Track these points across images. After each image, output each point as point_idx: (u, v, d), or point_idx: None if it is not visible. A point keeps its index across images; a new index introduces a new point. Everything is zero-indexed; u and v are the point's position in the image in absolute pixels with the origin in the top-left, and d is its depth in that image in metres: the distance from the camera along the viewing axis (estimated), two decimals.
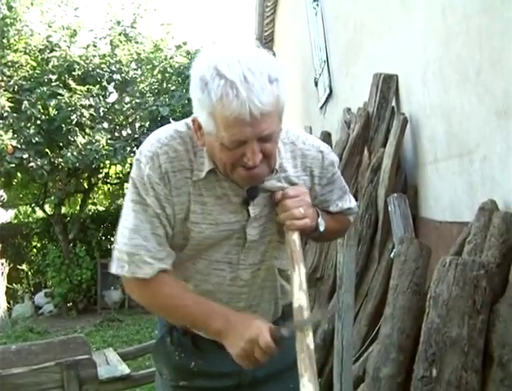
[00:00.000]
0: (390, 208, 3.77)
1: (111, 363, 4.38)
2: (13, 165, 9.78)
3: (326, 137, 6.27)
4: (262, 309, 1.82)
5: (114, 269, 1.64)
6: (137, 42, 11.73)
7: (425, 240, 3.35)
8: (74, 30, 11.37)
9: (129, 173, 1.69)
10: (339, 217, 1.90)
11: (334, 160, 1.82)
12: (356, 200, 3.73)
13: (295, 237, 1.64)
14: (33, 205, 12.70)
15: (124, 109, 11.25)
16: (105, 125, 11.15)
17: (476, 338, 2.27)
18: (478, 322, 2.28)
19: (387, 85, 4.36)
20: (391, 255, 3.64)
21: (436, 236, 3.60)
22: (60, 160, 10.37)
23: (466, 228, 2.83)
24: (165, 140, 1.63)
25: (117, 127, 11.47)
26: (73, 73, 10.75)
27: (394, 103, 4.43)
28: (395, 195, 3.79)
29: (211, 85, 1.43)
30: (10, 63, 10.50)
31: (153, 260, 1.61)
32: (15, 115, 10.03)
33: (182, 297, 1.64)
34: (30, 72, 10.65)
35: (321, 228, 1.76)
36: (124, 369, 4.15)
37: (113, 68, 11.28)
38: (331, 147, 4.87)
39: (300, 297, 1.55)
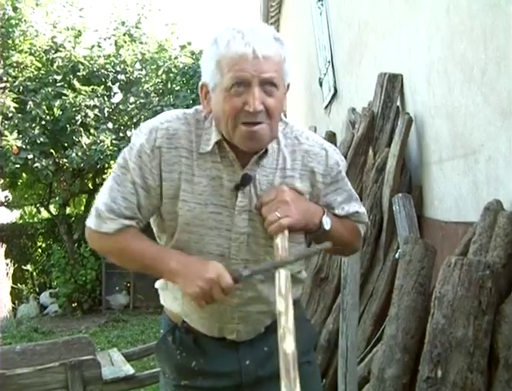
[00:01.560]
0: (394, 209, 3.76)
1: (115, 364, 4.38)
2: (18, 166, 9.82)
3: (331, 137, 6.25)
4: (257, 308, 1.81)
5: (87, 221, 1.73)
6: (141, 43, 11.76)
7: (430, 240, 3.34)
8: (79, 31, 11.40)
9: None
10: (347, 222, 1.86)
11: (339, 159, 1.83)
12: (361, 200, 3.73)
13: (278, 241, 1.65)
14: (37, 206, 12.74)
15: (128, 109, 11.26)
16: (110, 125, 11.18)
17: (482, 339, 2.26)
18: (483, 322, 2.27)
19: (392, 85, 4.34)
20: (396, 255, 3.62)
21: (441, 236, 3.58)
22: (65, 160, 10.41)
23: (471, 228, 2.82)
24: (169, 118, 1.72)
25: (122, 127, 11.49)
26: (78, 74, 10.79)
27: (399, 103, 4.41)
28: (400, 195, 3.78)
29: (220, 37, 1.58)
30: (15, 64, 10.54)
31: (117, 218, 1.67)
32: (19, 115, 10.06)
33: (139, 242, 1.70)
34: (35, 72, 10.69)
35: (326, 226, 1.75)
36: (128, 369, 4.15)
37: (118, 69, 11.32)
38: (335, 146, 4.86)
39: (279, 302, 1.55)
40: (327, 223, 1.75)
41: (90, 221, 1.72)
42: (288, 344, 1.46)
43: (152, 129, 1.68)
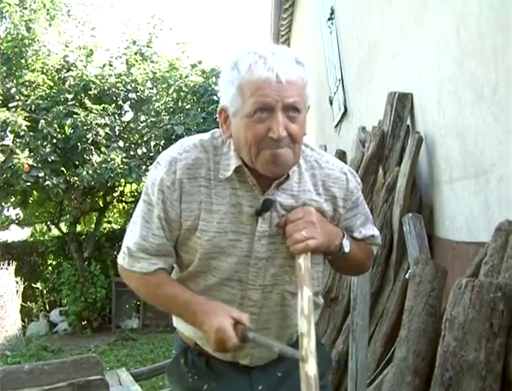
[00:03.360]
0: (405, 228, 3.73)
1: (123, 384, 4.36)
2: (29, 184, 9.89)
3: (341, 155, 6.23)
4: (274, 333, 1.78)
5: (118, 259, 1.77)
6: (152, 61, 11.85)
7: (441, 261, 3.30)
8: (90, 50, 11.52)
9: None
10: (363, 245, 1.86)
11: (357, 183, 1.81)
12: None
13: (301, 261, 1.64)
14: (48, 223, 12.77)
15: (139, 128, 11.32)
16: (120, 143, 11.26)
17: (494, 362, 2.22)
18: (495, 345, 2.23)
19: (402, 104, 4.33)
20: (406, 276, 3.59)
21: (452, 257, 3.55)
22: (76, 178, 10.46)
23: (483, 249, 2.78)
24: (187, 147, 1.68)
25: (132, 146, 11.55)
26: (89, 92, 10.88)
27: (409, 122, 4.40)
28: (410, 214, 3.75)
29: (240, 61, 1.54)
30: (27, 83, 10.65)
31: (151, 257, 1.69)
32: (31, 134, 10.14)
33: (170, 288, 1.72)
34: (47, 91, 10.79)
35: (346, 249, 1.74)
36: (136, 390, 4.12)
37: (129, 87, 11.40)
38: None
39: (301, 323, 1.53)
40: (346, 246, 1.74)
41: (122, 260, 1.74)
42: (310, 366, 1.44)
43: (172, 160, 1.65)
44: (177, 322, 1.89)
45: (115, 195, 12.36)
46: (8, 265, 10.98)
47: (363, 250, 1.86)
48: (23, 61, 10.91)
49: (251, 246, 1.68)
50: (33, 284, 12.82)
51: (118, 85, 11.18)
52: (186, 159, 1.65)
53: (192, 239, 1.67)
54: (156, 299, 1.75)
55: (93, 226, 12.92)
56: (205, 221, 1.65)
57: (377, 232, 1.91)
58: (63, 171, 10.60)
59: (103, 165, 10.11)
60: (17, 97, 10.55)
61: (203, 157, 1.66)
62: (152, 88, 11.77)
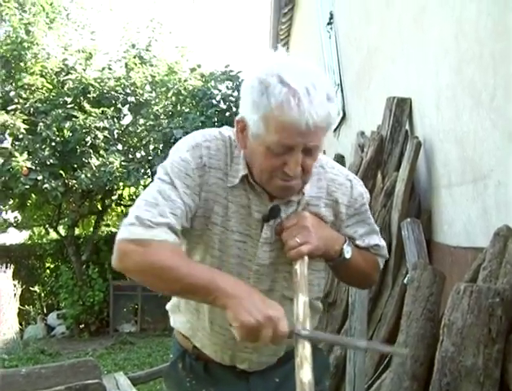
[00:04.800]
0: (403, 233, 3.73)
1: (121, 388, 4.35)
2: (27, 187, 9.88)
3: (339, 160, 6.24)
4: None
5: (120, 234, 1.53)
6: (152, 65, 11.85)
7: (439, 266, 3.30)
8: (90, 53, 11.53)
9: None
10: (367, 254, 1.85)
11: (364, 192, 1.81)
12: None
13: (297, 266, 1.63)
14: (46, 227, 12.75)
15: (138, 131, 11.32)
16: (119, 147, 11.26)
17: (492, 368, 2.21)
18: (493, 351, 2.23)
19: (401, 109, 4.33)
20: (405, 281, 3.59)
21: (450, 262, 3.55)
22: (74, 181, 10.46)
23: (481, 254, 2.78)
24: (209, 137, 1.66)
25: (131, 149, 11.54)
26: (88, 96, 10.88)
27: (407, 127, 4.40)
28: (409, 219, 3.75)
29: (272, 89, 1.46)
30: (26, 86, 10.65)
31: (165, 228, 1.53)
32: (30, 137, 10.15)
33: (187, 259, 1.59)
34: (46, 94, 10.79)
35: (347, 255, 1.73)
36: None
37: (128, 91, 11.38)
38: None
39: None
40: (348, 252, 1.73)
41: (128, 231, 1.52)
42: (305, 372, 1.43)
43: (196, 146, 1.63)
44: (174, 321, 1.88)
45: (113, 198, 12.35)
46: (6, 268, 10.97)
47: (366, 259, 1.84)
48: (22, 64, 10.90)
49: (255, 251, 1.68)
50: (30, 287, 12.79)
51: (117, 88, 11.17)
52: (209, 148, 1.64)
53: (201, 226, 1.65)
54: (175, 269, 1.49)
55: (91, 229, 12.91)
56: (217, 214, 1.64)
57: (382, 243, 1.89)
58: (61, 174, 10.59)
59: (102, 169, 10.11)
60: (16, 100, 10.56)
61: (223, 151, 1.66)
62: (151, 91, 11.76)
